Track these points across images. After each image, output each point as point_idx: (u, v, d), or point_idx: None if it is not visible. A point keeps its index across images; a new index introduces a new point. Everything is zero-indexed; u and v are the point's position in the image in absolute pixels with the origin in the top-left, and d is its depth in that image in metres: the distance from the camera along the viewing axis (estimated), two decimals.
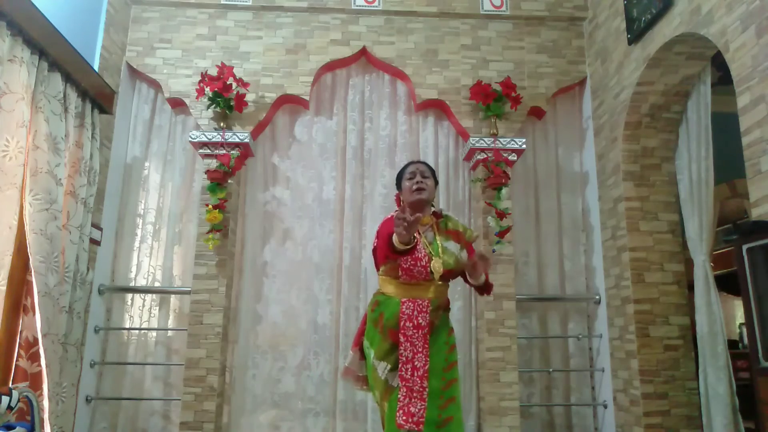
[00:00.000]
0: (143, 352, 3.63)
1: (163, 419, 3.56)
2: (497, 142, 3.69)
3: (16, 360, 2.65)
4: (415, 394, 2.05)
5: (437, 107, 3.96)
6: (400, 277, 2.22)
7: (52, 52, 2.74)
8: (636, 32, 3.26)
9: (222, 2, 3.89)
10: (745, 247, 2.21)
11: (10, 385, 2.57)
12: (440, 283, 2.22)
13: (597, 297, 3.74)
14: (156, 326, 3.67)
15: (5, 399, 1.98)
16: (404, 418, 2.02)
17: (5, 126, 2.45)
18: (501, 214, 3.51)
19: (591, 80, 3.95)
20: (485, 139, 3.70)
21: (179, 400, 3.39)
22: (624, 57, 3.46)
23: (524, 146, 3.72)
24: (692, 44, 2.99)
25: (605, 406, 3.59)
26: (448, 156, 3.94)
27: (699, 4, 2.70)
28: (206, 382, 3.32)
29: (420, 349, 2.10)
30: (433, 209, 2.36)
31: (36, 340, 2.64)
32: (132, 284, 3.69)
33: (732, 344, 4.80)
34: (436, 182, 2.41)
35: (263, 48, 3.85)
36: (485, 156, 3.67)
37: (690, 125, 3.32)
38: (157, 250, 3.77)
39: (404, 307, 2.16)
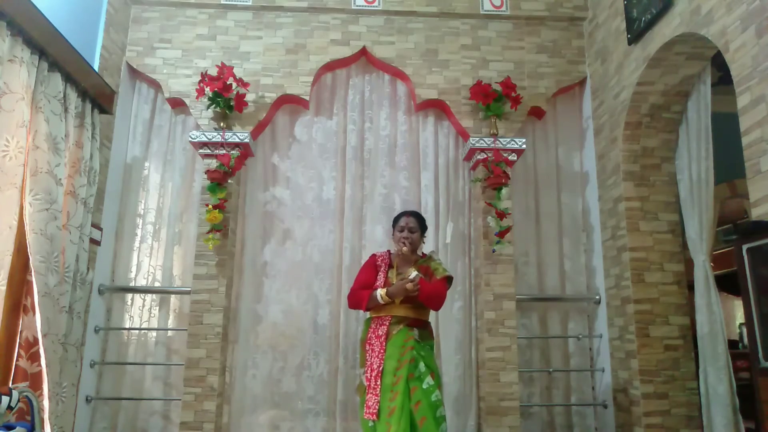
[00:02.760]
0: (143, 352, 3.63)
1: (163, 419, 3.56)
2: (497, 142, 3.69)
3: (16, 360, 2.64)
4: (371, 390, 2.56)
5: (437, 107, 3.96)
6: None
7: (52, 52, 2.74)
8: (636, 32, 3.26)
9: (222, 2, 3.89)
10: (745, 247, 2.21)
11: (10, 385, 2.57)
12: (404, 305, 2.69)
13: (597, 297, 3.74)
14: (156, 326, 3.67)
15: (5, 399, 1.98)
16: (365, 410, 2.55)
17: (5, 126, 2.45)
18: (501, 214, 3.51)
19: (591, 80, 3.95)
20: (485, 139, 3.70)
21: (179, 400, 3.38)
22: (624, 57, 3.46)
23: (524, 146, 3.72)
24: (692, 44, 2.99)
25: (605, 406, 3.59)
26: (448, 156, 3.94)
27: (699, 4, 2.70)
28: (206, 382, 3.32)
29: (377, 354, 2.61)
30: (421, 252, 2.96)
31: (36, 340, 2.64)
32: (132, 284, 3.69)
33: (732, 344, 4.80)
34: (424, 229, 2.95)
35: (263, 48, 3.85)
36: (485, 156, 3.67)
37: (690, 125, 3.32)
38: (157, 250, 3.77)
39: (372, 323, 2.75)
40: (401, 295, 2.63)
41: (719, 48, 2.58)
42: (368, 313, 2.86)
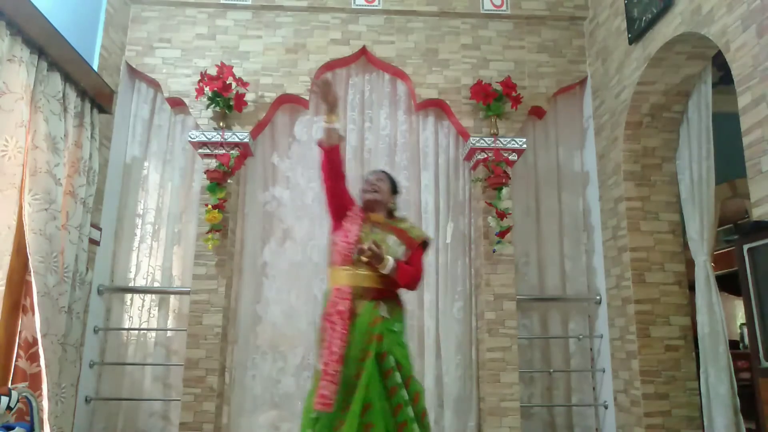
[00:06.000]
0: (142, 353, 3.63)
1: (163, 420, 3.55)
2: (498, 141, 3.68)
3: (16, 360, 2.64)
4: (328, 377, 2.12)
5: (437, 107, 3.95)
6: (334, 260, 2.38)
7: (51, 52, 2.73)
8: (637, 32, 3.26)
9: (221, 1, 3.88)
10: (746, 247, 2.21)
11: (10, 385, 2.56)
12: (365, 272, 2.28)
13: (598, 297, 3.73)
14: (155, 326, 3.66)
15: (4, 399, 1.98)
16: (317, 399, 2.11)
17: (4, 126, 2.44)
18: (501, 214, 3.51)
19: (592, 80, 3.94)
20: (486, 139, 3.69)
21: (179, 400, 3.38)
22: (625, 56, 3.45)
23: (525, 146, 3.71)
24: (693, 44, 2.98)
25: (606, 407, 3.59)
26: (449, 156, 3.93)
27: (699, 3, 2.70)
28: (206, 383, 3.32)
29: (338, 335, 2.18)
30: (392, 212, 2.53)
31: (35, 340, 2.64)
32: (131, 284, 3.68)
33: (733, 344, 4.79)
34: (395, 192, 2.56)
35: (263, 47, 3.85)
36: (486, 156, 3.66)
37: (691, 125, 3.31)
38: (156, 250, 3.76)
39: (333, 294, 2.29)
40: (329, 138, 2.33)
41: (720, 47, 2.57)
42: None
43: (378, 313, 2.27)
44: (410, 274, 2.32)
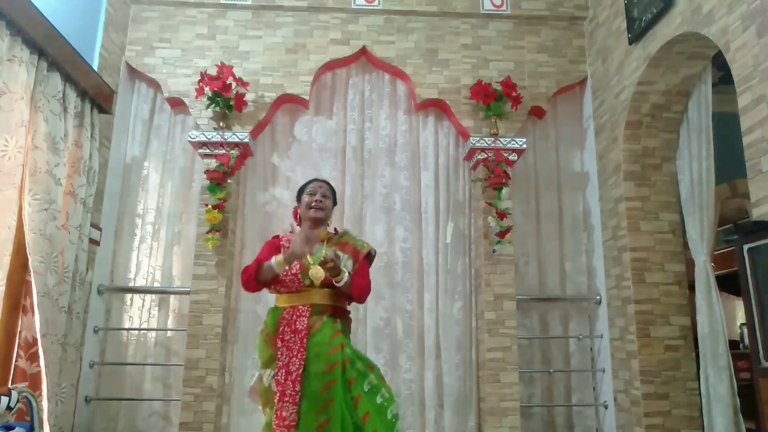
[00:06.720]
0: (142, 353, 3.63)
1: (163, 420, 3.55)
2: (498, 141, 3.68)
3: (16, 360, 2.64)
4: (287, 398, 2.09)
5: (437, 107, 3.95)
6: (279, 289, 2.31)
7: (51, 52, 2.73)
8: (637, 32, 3.26)
9: (221, 1, 3.88)
10: (745, 247, 2.21)
11: (10, 385, 2.56)
12: (325, 289, 2.25)
13: (598, 297, 3.74)
14: (155, 327, 3.66)
15: (4, 399, 1.98)
16: (276, 422, 2.07)
17: (4, 126, 2.45)
18: (501, 214, 3.51)
19: (592, 80, 3.95)
20: (486, 139, 3.69)
21: (179, 400, 3.38)
22: (625, 56, 3.45)
23: (525, 146, 3.71)
24: (693, 44, 2.98)
25: (606, 407, 3.59)
26: (449, 156, 3.93)
27: (700, 3, 2.70)
28: (206, 383, 3.32)
29: (296, 353, 2.14)
30: (333, 228, 2.50)
31: (35, 340, 2.64)
32: (131, 284, 3.69)
33: (733, 344, 4.78)
34: (335, 203, 2.50)
35: (263, 47, 3.85)
36: (486, 156, 3.66)
37: (691, 125, 3.31)
38: (156, 251, 3.76)
39: (285, 313, 2.24)
40: (300, 253, 2.13)
41: (720, 47, 2.57)
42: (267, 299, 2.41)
43: (338, 327, 2.25)
44: (361, 286, 2.28)
